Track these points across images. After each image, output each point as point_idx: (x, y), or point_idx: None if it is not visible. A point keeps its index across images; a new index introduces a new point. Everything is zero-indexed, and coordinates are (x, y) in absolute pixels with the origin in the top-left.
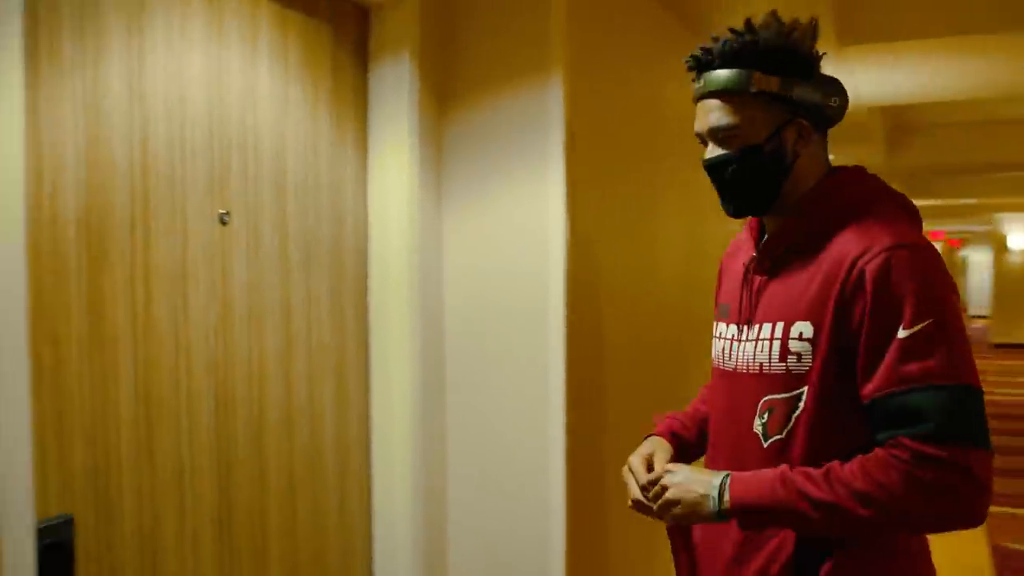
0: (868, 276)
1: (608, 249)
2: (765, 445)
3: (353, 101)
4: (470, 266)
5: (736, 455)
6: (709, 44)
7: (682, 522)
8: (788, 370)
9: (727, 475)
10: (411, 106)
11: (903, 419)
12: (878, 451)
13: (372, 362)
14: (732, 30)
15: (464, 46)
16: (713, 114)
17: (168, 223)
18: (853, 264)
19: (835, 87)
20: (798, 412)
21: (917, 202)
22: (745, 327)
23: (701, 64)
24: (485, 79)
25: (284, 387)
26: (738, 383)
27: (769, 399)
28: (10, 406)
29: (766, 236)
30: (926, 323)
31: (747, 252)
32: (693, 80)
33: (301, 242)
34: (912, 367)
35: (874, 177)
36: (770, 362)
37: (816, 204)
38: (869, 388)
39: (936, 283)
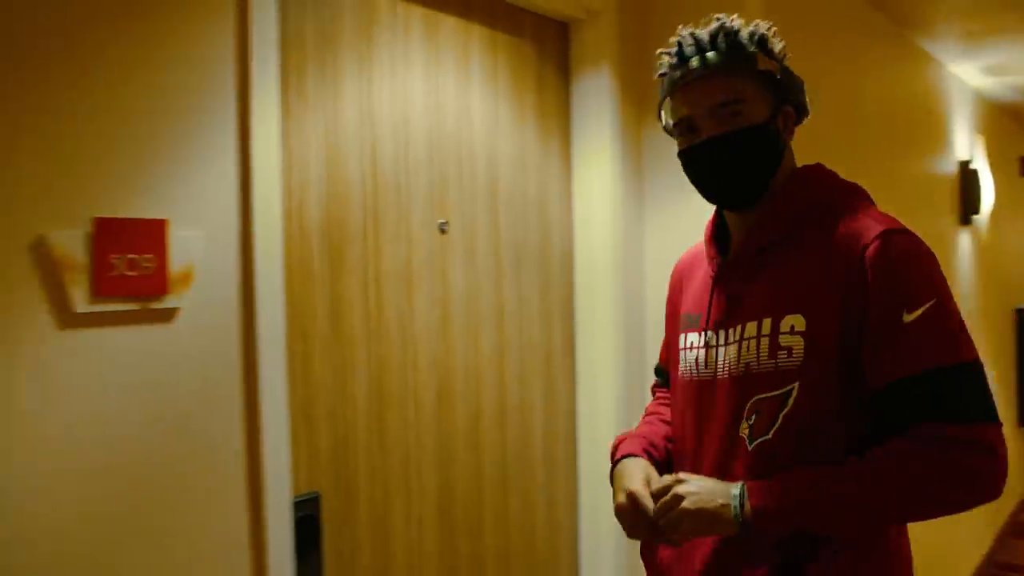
0: (867, 263)
1: None
2: (750, 448)
3: (556, 112)
4: (671, 267)
5: (721, 462)
6: (694, 33)
7: (693, 536)
8: (777, 366)
9: (743, 483)
10: (612, 115)
11: (925, 403)
12: (904, 440)
13: (578, 360)
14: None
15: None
16: (717, 92)
17: (395, 232)
18: (850, 250)
19: (802, 87)
20: (786, 410)
21: None
22: (723, 331)
23: (699, 47)
24: None
25: (497, 383)
26: (718, 390)
27: (757, 399)
28: (272, 395)
29: (733, 242)
30: (929, 304)
31: (709, 258)
32: (674, 68)
33: (512, 248)
34: (936, 348)
35: (832, 172)
36: (758, 360)
37: (785, 203)
38: (881, 373)
39: (930, 265)
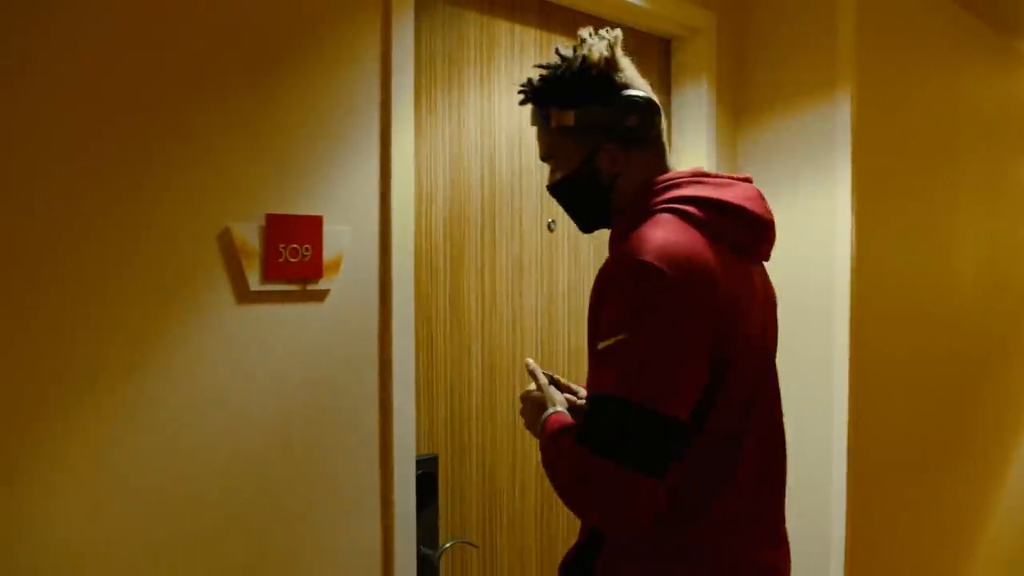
0: (595, 288)
1: (897, 256)
2: None
3: None
4: None
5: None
6: (527, 79)
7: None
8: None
9: (554, 408)
10: (709, 125)
11: (585, 421)
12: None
13: None
14: (543, 65)
15: (756, 69)
16: (538, 144)
17: (508, 229)
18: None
19: (633, 107)
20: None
21: None
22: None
23: (526, 97)
24: (776, 97)
25: None
26: None
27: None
28: (402, 366)
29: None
30: (619, 338)
31: None
32: None
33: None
34: (594, 377)
35: (693, 183)
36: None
37: (620, 217)
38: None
39: (643, 294)
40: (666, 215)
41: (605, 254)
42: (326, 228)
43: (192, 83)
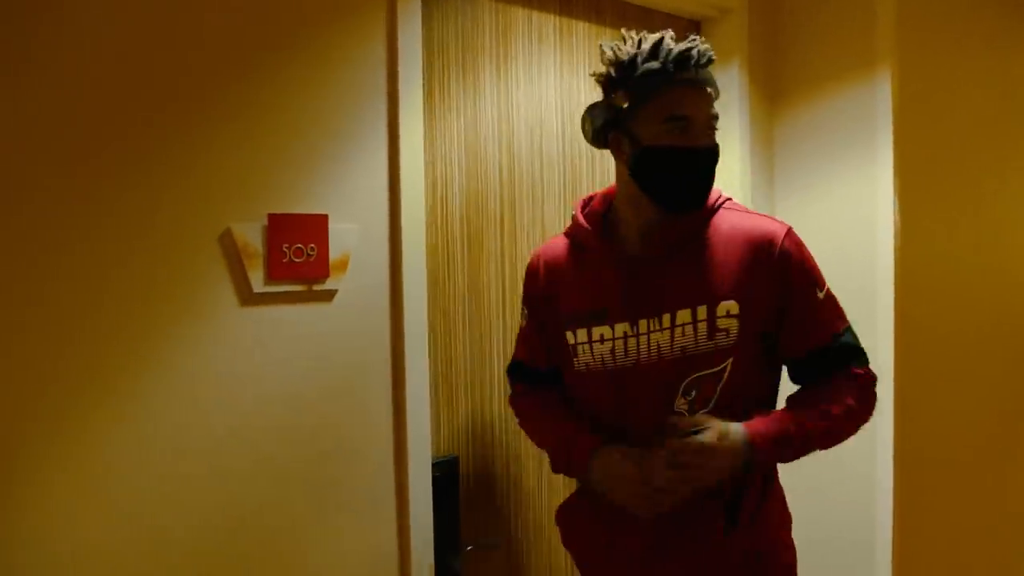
0: (790, 254)
1: (943, 237)
2: None
3: None
4: None
5: (656, 437)
6: (695, 41)
7: (698, 484)
8: (716, 346)
9: (741, 424)
10: (742, 108)
11: (846, 355)
12: (836, 379)
13: None
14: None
15: (790, 49)
16: (712, 105)
17: (530, 221)
18: (770, 246)
19: None
20: (722, 382)
21: None
22: (643, 320)
23: (700, 57)
24: (812, 78)
25: None
26: (644, 374)
27: (695, 377)
28: (415, 367)
29: (629, 237)
30: (827, 287)
31: (601, 254)
32: (681, 64)
33: None
34: (835, 318)
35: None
36: (696, 343)
37: (687, 218)
38: (810, 340)
39: (812, 256)
40: (731, 201)
41: None
42: (332, 226)
43: (189, 81)
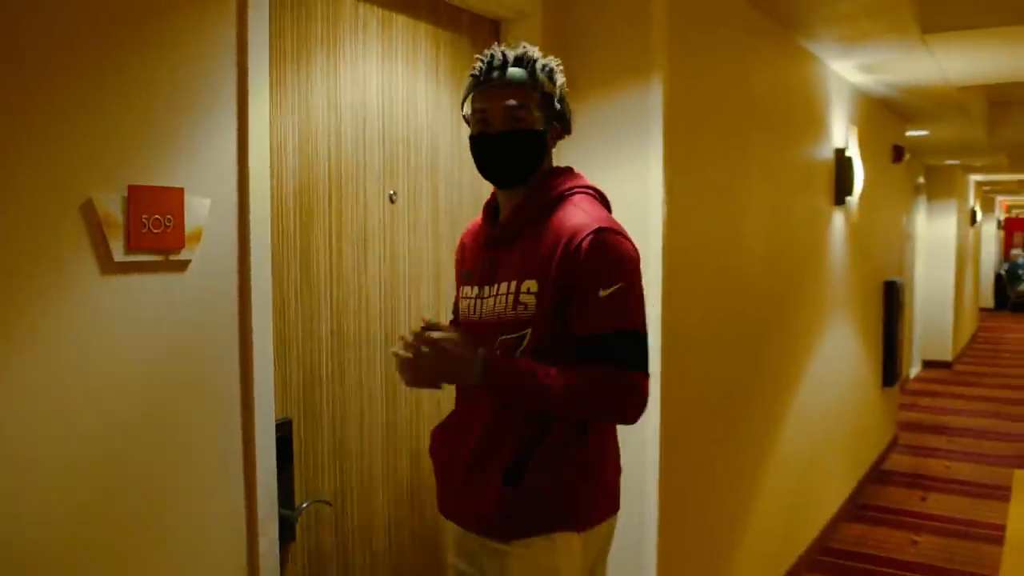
0: (582, 249)
1: (700, 225)
2: None
3: None
4: None
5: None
6: (504, 51)
7: (434, 378)
8: (518, 316)
9: (486, 348)
10: None
11: (603, 353)
12: (588, 368)
13: None
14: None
15: (578, 52)
16: (511, 96)
17: (353, 199)
18: (571, 240)
19: (569, 112)
20: (522, 347)
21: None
22: (487, 287)
23: (504, 62)
24: (597, 80)
25: None
26: (480, 331)
27: (503, 339)
28: (261, 332)
29: (501, 217)
30: (617, 287)
31: (485, 231)
32: (483, 72)
33: (448, 218)
34: (610, 317)
35: (579, 175)
36: (505, 311)
37: (540, 193)
38: (580, 329)
39: (625, 258)
40: (579, 198)
41: (441, 224)
42: (187, 200)
43: (49, 55)
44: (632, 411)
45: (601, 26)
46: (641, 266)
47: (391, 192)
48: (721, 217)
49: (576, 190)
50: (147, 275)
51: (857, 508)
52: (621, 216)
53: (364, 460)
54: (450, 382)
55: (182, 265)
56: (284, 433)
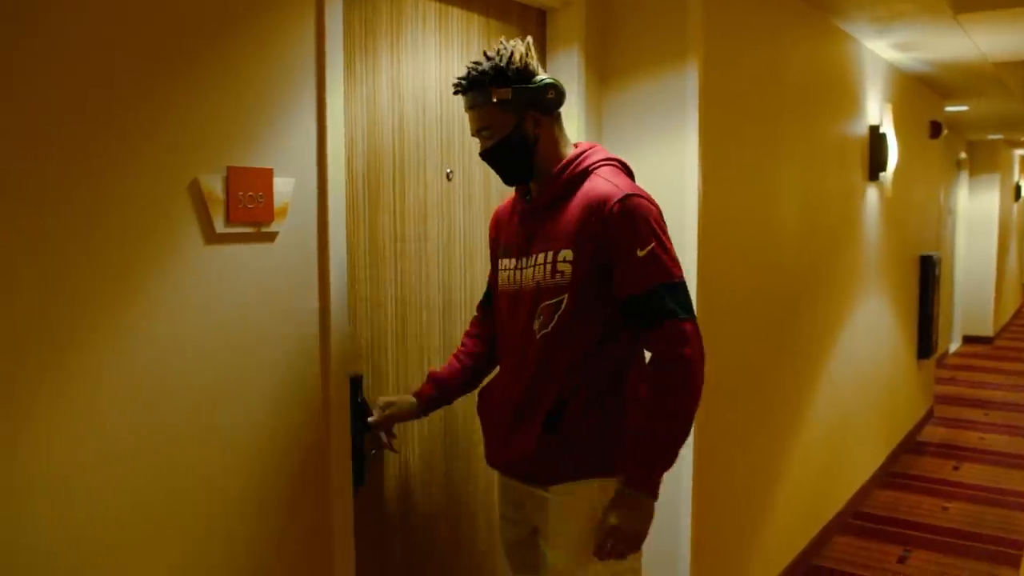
0: (613, 216)
1: (734, 201)
2: (538, 337)
3: None
4: None
5: (520, 346)
6: (461, 76)
7: (640, 542)
8: (556, 284)
9: (624, 484)
10: (579, 89)
11: (653, 308)
12: (645, 372)
13: None
14: (475, 63)
15: (619, 38)
16: (474, 121)
17: (414, 178)
18: (600, 208)
19: (550, 86)
20: (560, 312)
21: None
22: (524, 258)
23: (460, 88)
24: (636, 64)
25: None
26: (520, 298)
27: (543, 305)
28: (338, 296)
29: (531, 195)
30: (652, 246)
31: (518, 207)
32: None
33: (497, 193)
34: (652, 274)
35: (601, 149)
36: (544, 279)
37: (566, 170)
38: (627, 289)
39: (652, 219)
40: (605, 169)
41: (492, 200)
42: (275, 179)
43: (158, 59)
44: (694, 365)
45: (640, 13)
46: (677, 243)
47: (448, 171)
48: (756, 194)
49: (600, 163)
50: (243, 245)
51: (889, 476)
52: (658, 195)
53: (422, 422)
54: (646, 531)
55: (271, 236)
56: (355, 387)
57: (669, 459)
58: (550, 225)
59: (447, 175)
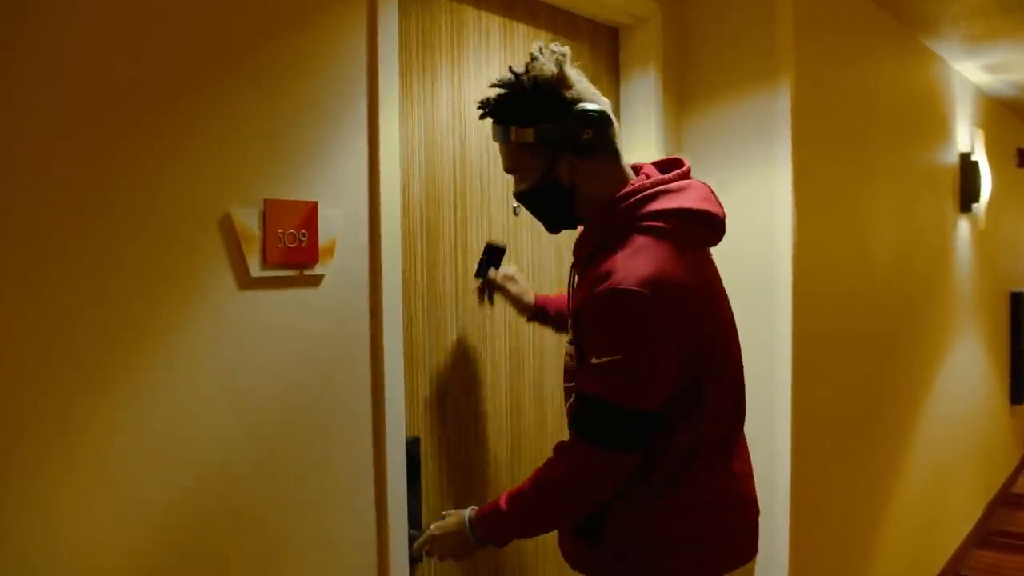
0: (588, 309)
1: (828, 236)
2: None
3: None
4: None
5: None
6: (489, 94)
7: (453, 557)
8: (567, 366)
9: (470, 510)
10: (656, 111)
11: (577, 413)
12: (546, 465)
13: None
14: (498, 83)
15: (698, 58)
16: (502, 156)
17: (478, 210)
18: (588, 294)
19: (586, 120)
20: (570, 400)
21: None
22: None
23: (484, 114)
24: (717, 86)
25: (555, 338)
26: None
27: (566, 386)
28: (392, 352)
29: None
30: (614, 359)
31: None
32: None
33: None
34: (592, 382)
35: (664, 183)
36: (568, 359)
37: (606, 218)
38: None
39: (636, 327)
40: (642, 238)
41: (563, 238)
42: (321, 213)
43: (186, 75)
44: (566, 487)
45: (723, 31)
46: (765, 292)
47: (514, 205)
48: (847, 225)
49: (647, 223)
50: (282, 290)
51: (988, 534)
52: (746, 227)
53: (487, 483)
54: (467, 554)
55: (316, 280)
56: (412, 451)
57: (517, 530)
58: (578, 289)
59: (514, 210)
